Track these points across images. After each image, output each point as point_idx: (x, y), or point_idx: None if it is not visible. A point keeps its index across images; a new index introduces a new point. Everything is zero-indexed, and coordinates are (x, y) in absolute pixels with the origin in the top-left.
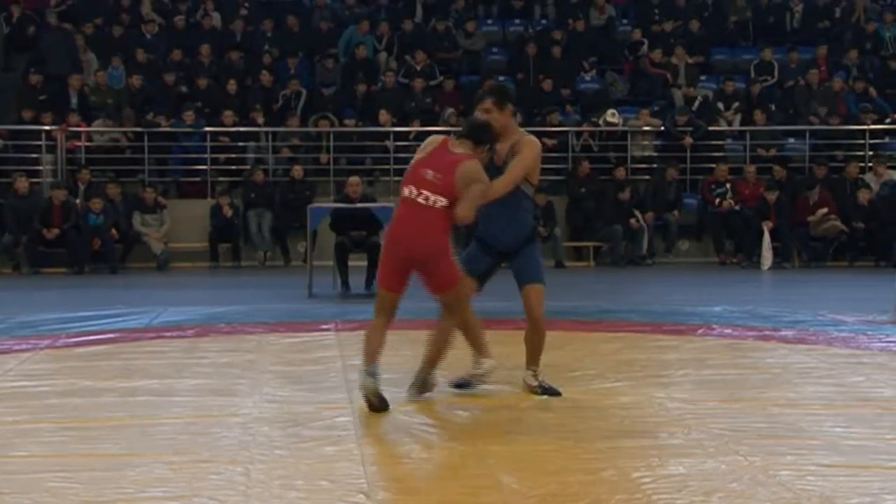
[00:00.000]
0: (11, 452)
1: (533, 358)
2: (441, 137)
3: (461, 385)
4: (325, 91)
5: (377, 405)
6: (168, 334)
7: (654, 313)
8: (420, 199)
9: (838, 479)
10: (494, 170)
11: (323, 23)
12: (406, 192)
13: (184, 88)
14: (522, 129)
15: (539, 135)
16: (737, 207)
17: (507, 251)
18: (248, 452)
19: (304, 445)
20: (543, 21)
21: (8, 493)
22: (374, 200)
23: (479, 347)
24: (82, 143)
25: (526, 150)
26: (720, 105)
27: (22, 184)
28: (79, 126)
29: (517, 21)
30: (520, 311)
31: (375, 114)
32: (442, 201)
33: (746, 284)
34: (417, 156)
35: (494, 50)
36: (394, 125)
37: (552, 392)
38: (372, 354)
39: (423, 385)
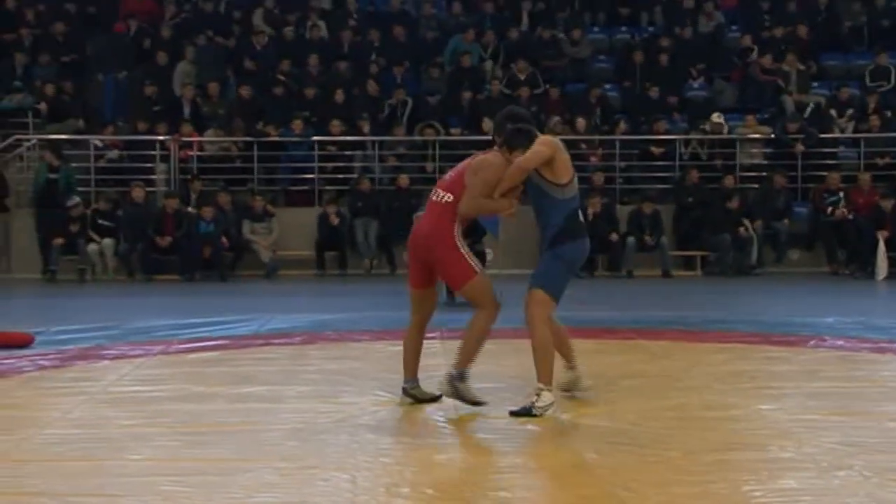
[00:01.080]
0: (126, 455)
1: (541, 373)
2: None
3: (567, 390)
4: (431, 100)
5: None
6: (276, 341)
7: (763, 324)
8: (434, 198)
9: None
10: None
11: (429, 32)
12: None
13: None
14: (542, 138)
15: (646, 143)
16: (850, 216)
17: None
18: (354, 459)
19: (410, 453)
20: (650, 28)
21: (122, 496)
22: None
23: (565, 355)
24: (194, 153)
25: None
26: (833, 112)
27: (138, 193)
28: (191, 136)
29: (624, 29)
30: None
31: (480, 122)
32: (448, 197)
33: (860, 295)
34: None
35: (601, 58)
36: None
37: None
38: (407, 364)
39: (459, 379)
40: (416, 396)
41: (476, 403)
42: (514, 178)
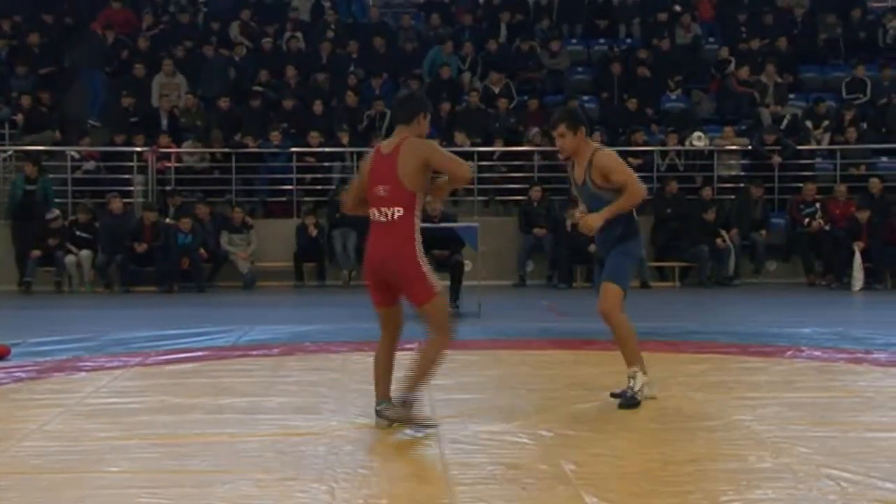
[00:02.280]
0: (104, 468)
1: (630, 358)
2: (371, 152)
3: (617, 395)
4: None
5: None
6: (254, 353)
7: (741, 334)
8: (381, 219)
9: None
10: (577, 190)
11: (408, 43)
12: (371, 216)
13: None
14: (596, 145)
15: (624, 154)
16: (826, 227)
17: (602, 259)
18: (332, 471)
19: (389, 465)
20: (628, 40)
21: None
22: (455, 219)
23: (629, 358)
24: (172, 164)
25: (611, 161)
26: (809, 123)
27: (116, 204)
28: (169, 147)
29: (602, 40)
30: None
31: (454, 133)
32: (399, 211)
33: (836, 306)
34: (363, 178)
35: (579, 69)
36: (477, 145)
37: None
38: (378, 383)
39: (403, 405)
40: (390, 418)
41: (427, 426)
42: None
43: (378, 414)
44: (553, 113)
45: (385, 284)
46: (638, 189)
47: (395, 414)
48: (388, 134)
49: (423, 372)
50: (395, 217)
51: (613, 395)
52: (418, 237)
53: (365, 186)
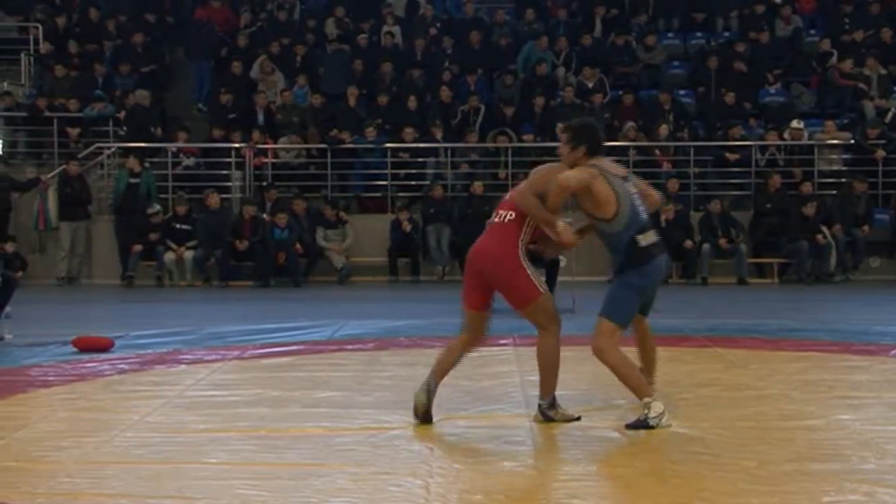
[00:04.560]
0: (203, 459)
1: (637, 392)
2: None
3: (631, 426)
4: (505, 107)
5: (421, 419)
6: (349, 347)
7: (842, 332)
8: (496, 220)
9: None
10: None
11: (502, 39)
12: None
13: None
14: (595, 166)
15: (721, 149)
16: None
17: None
18: (427, 466)
19: (483, 460)
20: (726, 33)
21: (200, 499)
22: None
23: (636, 392)
24: (269, 160)
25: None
26: None
27: (213, 199)
28: (265, 143)
29: (699, 34)
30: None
31: (553, 129)
32: (511, 215)
33: None
34: None
35: (675, 63)
36: None
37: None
38: (436, 369)
39: (549, 407)
40: (543, 417)
41: (571, 419)
42: (555, 196)
43: (424, 387)
44: (648, 107)
45: (482, 283)
46: (527, 204)
47: (543, 418)
48: (483, 130)
49: (549, 372)
50: (507, 220)
51: (628, 427)
52: (523, 245)
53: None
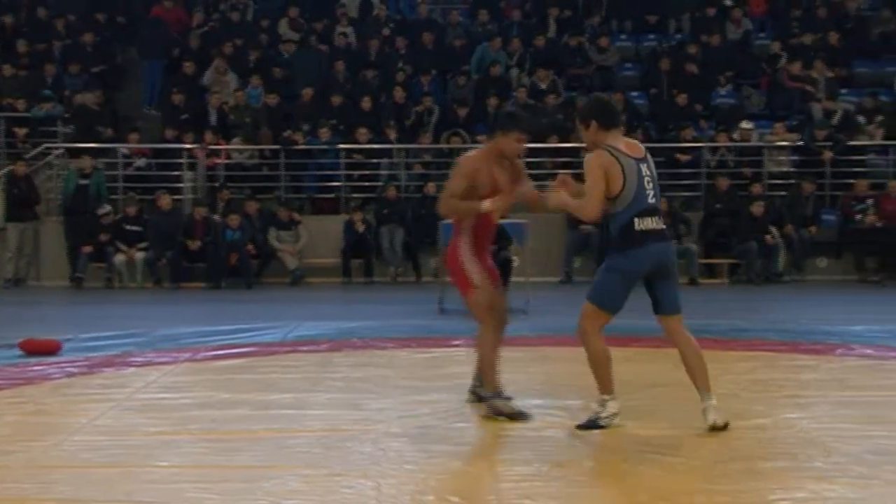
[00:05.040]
0: (153, 462)
1: (601, 385)
2: None
3: (583, 427)
4: (459, 108)
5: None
6: (302, 348)
7: (790, 332)
8: None
9: None
10: None
11: (456, 40)
12: None
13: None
14: (610, 143)
15: (672, 150)
16: (879, 223)
17: None
18: (379, 467)
19: (435, 461)
20: (678, 36)
21: (149, 503)
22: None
23: (599, 385)
24: (221, 161)
25: (587, 165)
26: (861, 119)
27: (165, 201)
28: (218, 144)
29: (651, 36)
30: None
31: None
32: None
33: (889, 303)
34: None
35: (628, 65)
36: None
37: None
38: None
39: (493, 398)
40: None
41: (518, 416)
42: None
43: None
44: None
45: None
46: (588, 210)
47: (488, 411)
48: (437, 131)
49: (486, 363)
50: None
51: (579, 428)
52: (467, 238)
53: None
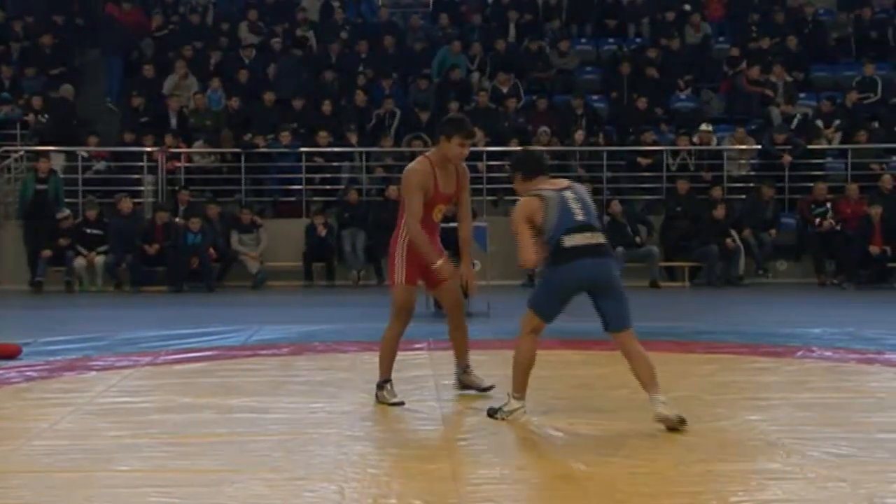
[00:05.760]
0: (114, 467)
1: (514, 385)
2: None
3: (489, 413)
4: (420, 112)
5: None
6: (264, 352)
7: (750, 335)
8: None
9: None
10: None
11: (417, 43)
12: None
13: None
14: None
15: (633, 154)
16: (838, 227)
17: None
18: (342, 471)
19: (398, 464)
20: (638, 40)
21: None
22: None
23: (514, 384)
24: (182, 164)
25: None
26: (820, 123)
27: (126, 204)
28: (178, 147)
29: (611, 40)
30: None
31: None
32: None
33: (848, 306)
34: None
35: (588, 69)
36: (487, 145)
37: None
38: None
39: (379, 387)
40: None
41: (394, 405)
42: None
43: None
44: (561, 112)
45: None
46: (523, 257)
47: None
48: (398, 134)
49: (383, 355)
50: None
51: (488, 414)
52: (403, 233)
53: None
